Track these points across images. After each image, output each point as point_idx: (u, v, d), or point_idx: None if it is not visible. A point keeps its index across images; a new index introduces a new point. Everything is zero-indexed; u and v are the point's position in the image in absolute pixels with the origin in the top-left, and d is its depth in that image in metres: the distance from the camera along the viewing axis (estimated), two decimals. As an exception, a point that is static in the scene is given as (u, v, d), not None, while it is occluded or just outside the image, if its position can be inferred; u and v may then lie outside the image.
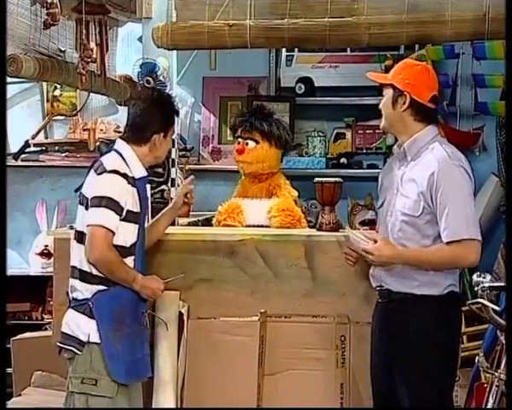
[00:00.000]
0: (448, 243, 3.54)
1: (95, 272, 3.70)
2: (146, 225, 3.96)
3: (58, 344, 3.77)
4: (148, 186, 4.75)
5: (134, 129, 3.85)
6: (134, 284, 3.73)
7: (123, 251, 3.72)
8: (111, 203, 3.66)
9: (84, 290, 3.72)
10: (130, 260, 3.75)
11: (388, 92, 3.73)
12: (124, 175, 3.71)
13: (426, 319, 3.60)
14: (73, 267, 3.77)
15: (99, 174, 3.72)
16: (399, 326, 3.66)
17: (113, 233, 3.67)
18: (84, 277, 3.72)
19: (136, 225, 3.76)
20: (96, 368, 3.67)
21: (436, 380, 3.60)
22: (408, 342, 3.62)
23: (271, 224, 4.53)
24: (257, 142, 4.73)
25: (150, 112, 3.83)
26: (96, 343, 3.67)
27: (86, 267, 3.71)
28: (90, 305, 3.68)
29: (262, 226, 4.54)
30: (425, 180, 3.58)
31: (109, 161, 3.77)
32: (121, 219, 3.69)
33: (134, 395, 3.85)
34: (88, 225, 3.69)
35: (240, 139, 4.78)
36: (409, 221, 3.62)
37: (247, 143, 4.74)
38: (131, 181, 3.74)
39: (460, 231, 3.52)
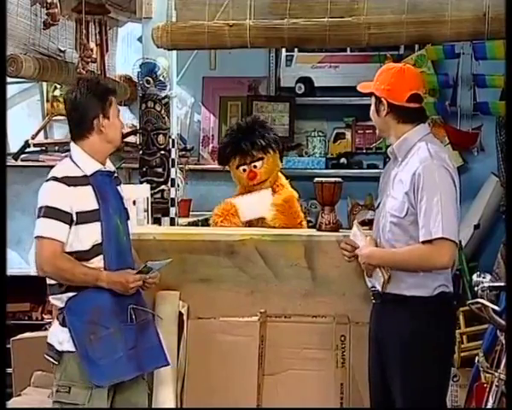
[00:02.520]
0: (423, 242, 3.54)
1: None
2: (123, 218, 3.82)
3: (44, 355, 3.73)
4: (147, 186, 4.80)
5: (74, 124, 3.77)
6: (99, 282, 3.63)
7: (83, 254, 3.63)
8: (50, 212, 3.59)
9: (57, 302, 3.68)
10: (98, 260, 3.65)
11: (372, 100, 3.76)
12: (62, 179, 3.63)
13: (417, 320, 3.60)
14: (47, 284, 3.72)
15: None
16: (392, 327, 3.66)
17: (60, 241, 3.59)
18: (52, 290, 3.68)
19: (97, 223, 3.65)
20: (70, 376, 3.63)
21: (429, 381, 3.61)
22: (400, 342, 3.63)
23: (271, 215, 4.52)
24: (262, 158, 4.64)
25: (82, 100, 3.72)
26: (69, 352, 3.62)
27: (51, 280, 3.67)
28: (63, 314, 3.64)
29: (260, 218, 4.54)
30: (408, 180, 3.59)
31: (54, 168, 3.74)
32: (75, 224, 3.61)
33: (133, 394, 3.78)
34: (34, 238, 3.65)
35: (244, 167, 4.64)
36: (396, 222, 3.63)
37: (254, 166, 4.63)
38: (81, 181, 3.66)
39: (433, 231, 3.50)
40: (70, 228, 3.61)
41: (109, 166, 3.82)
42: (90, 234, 3.65)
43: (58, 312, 3.69)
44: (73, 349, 3.61)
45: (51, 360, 3.69)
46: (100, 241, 3.66)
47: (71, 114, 3.77)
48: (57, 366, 3.68)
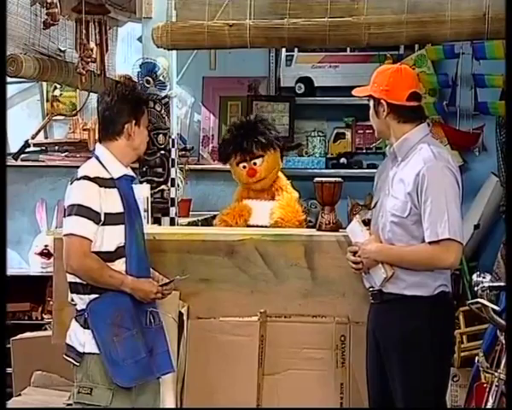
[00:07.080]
0: (430, 243, 3.56)
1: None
2: (140, 223, 3.89)
3: (63, 355, 3.76)
4: (147, 186, 4.80)
5: (105, 124, 3.81)
6: (123, 287, 3.66)
7: (109, 256, 3.66)
8: (82, 210, 3.61)
9: (79, 302, 3.70)
10: (121, 263, 3.69)
11: (371, 103, 3.76)
12: (94, 179, 3.66)
13: (417, 320, 3.62)
14: (69, 282, 3.74)
15: (71, 183, 3.72)
16: (391, 327, 3.67)
17: (90, 240, 3.62)
18: (77, 289, 3.70)
19: (121, 226, 3.69)
20: (92, 377, 3.65)
21: (428, 381, 3.62)
22: (400, 342, 3.64)
23: (272, 219, 4.55)
24: (262, 156, 4.71)
25: (117, 103, 3.77)
26: (91, 353, 3.64)
27: (77, 279, 3.68)
28: (85, 316, 3.66)
29: (265, 227, 4.58)
30: (411, 181, 3.60)
31: (83, 167, 3.75)
32: (102, 224, 3.64)
33: (146, 397, 3.79)
34: (64, 236, 3.67)
35: (244, 164, 4.74)
36: (398, 222, 3.64)
37: (254, 164, 4.72)
38: (109, 183, 3.70)
39: (440, 232, 3.53)
40: (98, 228, 3.65)
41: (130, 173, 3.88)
42: (114, 236, 3.68)
43: (77, 313, 3.71)
44: (96, 351, 3.63)
45: (72, 361, 3.71)
46: (123, 244, 3.70)
47: (104, 114, 3.81)
48: (78, 368, 3.69)
